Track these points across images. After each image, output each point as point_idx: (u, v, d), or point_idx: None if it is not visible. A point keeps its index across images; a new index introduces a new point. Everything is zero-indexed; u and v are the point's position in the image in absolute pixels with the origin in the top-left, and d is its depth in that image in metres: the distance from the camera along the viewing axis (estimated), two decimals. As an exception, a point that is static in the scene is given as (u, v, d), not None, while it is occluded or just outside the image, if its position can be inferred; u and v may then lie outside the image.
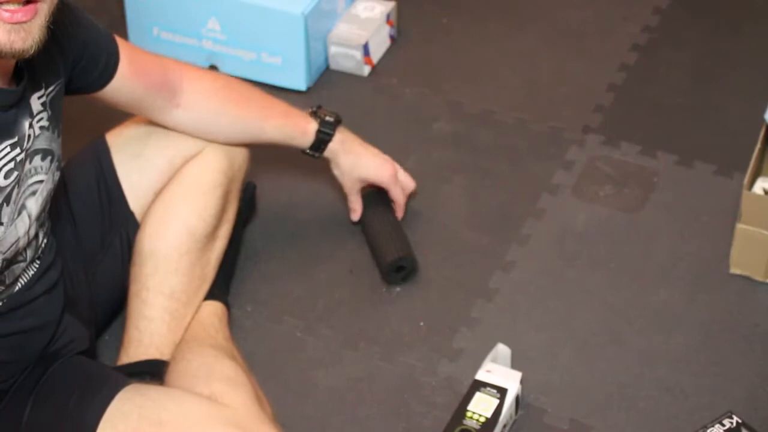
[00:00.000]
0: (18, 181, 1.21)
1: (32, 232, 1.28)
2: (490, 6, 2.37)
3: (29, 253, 1.30)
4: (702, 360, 1.61)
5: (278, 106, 1.65)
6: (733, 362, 1.60)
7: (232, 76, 1.64)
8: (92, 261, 1.56)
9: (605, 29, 2.28)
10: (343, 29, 2.18)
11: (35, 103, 1.23)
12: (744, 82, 2.12)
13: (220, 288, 1.66)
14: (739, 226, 1.68)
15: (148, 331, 1.55)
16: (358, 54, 2.16)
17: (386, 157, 1.77)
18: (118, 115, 1.62)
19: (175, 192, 1.56)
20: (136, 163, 1.57)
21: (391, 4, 2.24)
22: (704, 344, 1.63)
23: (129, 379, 1.38)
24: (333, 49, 2.17)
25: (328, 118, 1.68)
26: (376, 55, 2.20)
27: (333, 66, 2.20)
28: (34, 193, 1.26)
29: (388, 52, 2.24)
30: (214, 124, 1.58)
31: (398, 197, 1.79)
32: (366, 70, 2.18)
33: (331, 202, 1.89)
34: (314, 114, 1.68)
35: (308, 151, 1.70)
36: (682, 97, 2.10)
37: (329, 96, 2.11)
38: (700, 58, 2.20)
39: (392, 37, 2.26)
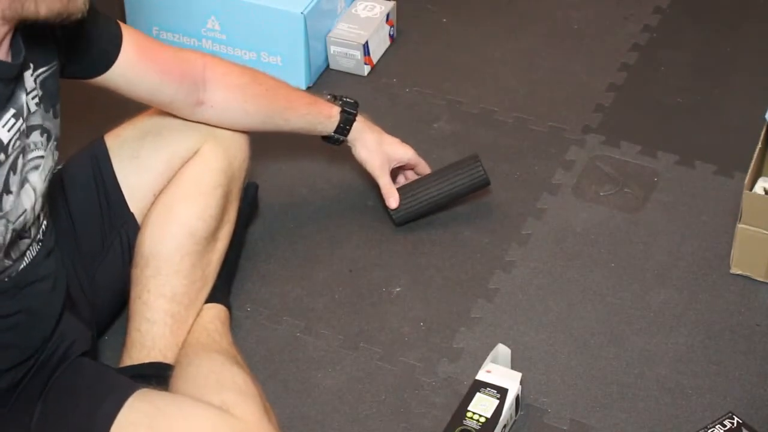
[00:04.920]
0: (22, 151, 1.23)
1: (38, 208, 1.30)
2: (490, 6, 2.37)
3: (33, 231, 1.32)
4: (702, 360, 1.61)
5: (303, 97, 1.70)
6: (733, 362, 1.60)
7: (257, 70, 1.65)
8: (92, 262, 1.56)
9: (605, 29, 2.28)
10: (342, 29, 2.17)
11: (28, 79, 1.24)
12: (744, 82, 2.12)
13: (222, 290, 1.65)
14: (740, 226, 1.68)
15: (150, 333, 1.54)
16: (358, 54, 2.16)
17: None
18: (117, 116, 1.62)
19: (174, 193, 1.56)
20: (134, 164, 1.57)
21: (391, 4, 2.24)
22: (704, 344, 1.63)
23: (136, 384, 1.36)
24: (333, 49, 2.17)
25: (348, 100, 1.74)
26: (375, 54, 2.20)
27: (333, 66, 2.20)
28: (36, 167, 1.27)
29: (388, 52, 2.24)
30: (239, 120, 1.61)
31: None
32: (366, 69, 2.18)
33: (332, 202, 1.89)
34: (333, 98, 1.74)
35: (333, 134, 1.73)
36: (682, 97, 2.10)
37: (329, 96, 2.11)
38: (700, 58, 2.20)
39: (392, 37, 2.26)
